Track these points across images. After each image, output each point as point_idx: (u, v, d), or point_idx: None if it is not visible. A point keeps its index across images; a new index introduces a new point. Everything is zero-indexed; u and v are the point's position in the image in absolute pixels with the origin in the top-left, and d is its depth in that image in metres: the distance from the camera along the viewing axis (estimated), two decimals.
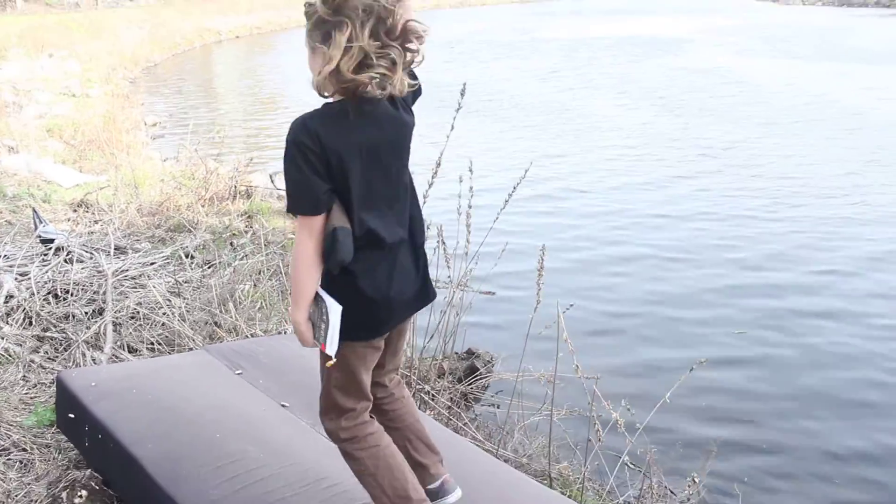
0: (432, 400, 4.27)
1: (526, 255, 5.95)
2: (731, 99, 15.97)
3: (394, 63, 1.94)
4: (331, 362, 2.12)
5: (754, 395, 5.04)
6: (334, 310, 2.07)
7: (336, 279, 2.09)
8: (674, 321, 6.08)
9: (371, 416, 2.30)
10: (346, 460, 2.30)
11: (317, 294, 2.10)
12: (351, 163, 2.00)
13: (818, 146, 11.75)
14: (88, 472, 2.95)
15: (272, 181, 8.66)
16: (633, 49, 26.00)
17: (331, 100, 2.02)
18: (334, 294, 2.09)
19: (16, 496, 2.90)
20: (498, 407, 4.70)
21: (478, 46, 28.75)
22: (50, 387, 3.80)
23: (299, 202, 2.01)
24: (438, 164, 3.65)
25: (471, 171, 3.71)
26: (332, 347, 2.10)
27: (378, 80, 1.94)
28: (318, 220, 2.01)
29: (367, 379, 2.25)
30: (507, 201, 3.87)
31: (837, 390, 5.12)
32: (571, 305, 3.45)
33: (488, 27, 39.88)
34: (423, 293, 2.27)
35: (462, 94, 3.57)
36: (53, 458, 3.19)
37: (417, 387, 4.18)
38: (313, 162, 1.96)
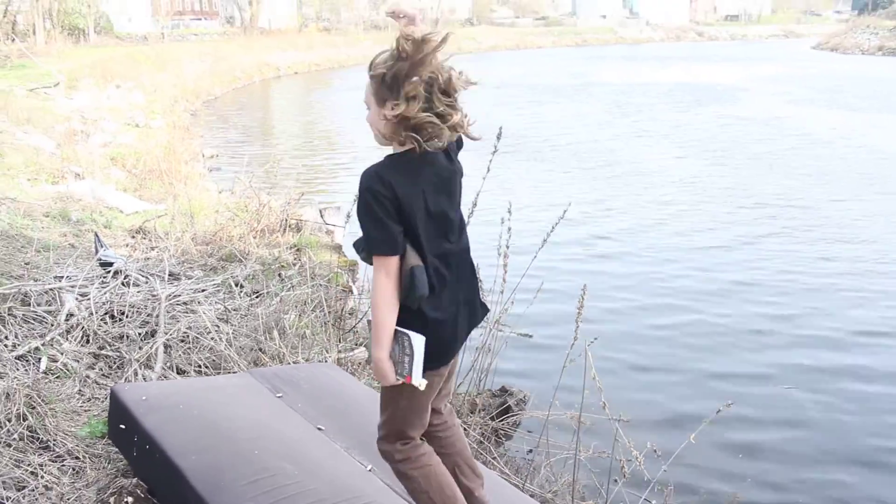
0: (465, 434, 4.39)
1: (564, 295, 6.10)
2: (782, 149, 15.91)
3: (446, 117, 2.19)
4: (422, 386, 2.29)
5: (782, 454, 5.02)
6: (418, 341, 2.26)
7: (409, 314, 2.29)
8: (708, 373, 6.12)
9: (422, 439, 2.50)
10: (401, 480, 2.50)
11: (396, 331, 2.28)
12: (417, 207, 2.23)
13: (871, 201, 11.64)
14: (135, 480, 3.14)
15: (321, 216, 8.94)
16: (685, 96, 26.10)
17: (391, 151, 2.28)
18: (409, 328, 2.29)
19: (68, 499, 3.10)
20: (530, 447, 4.80)
21: (531, 90, 29.10)
22: (103, 401, 4.03)
23: (379, 245, 2.21)
24: (475, 205, 3.82)
25: (509, 212, 3.89)
26: (418, 378, 2.28)
27: (436, 127, 2.19)
28: (394, 261, 2.22)
29: (429, 408, 2.46)
30: (545, 241, 4.02)
31: (871, 455, 5.07)
32: (595, 339, 3.57)
33: (542, 70, 40.31)
34: (477, 312, 2.50)
35: (498, 138, 3.77)
36: (103, 467, 3.39)
37: None
38: (388, 207, 2.18)
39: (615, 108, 23.47)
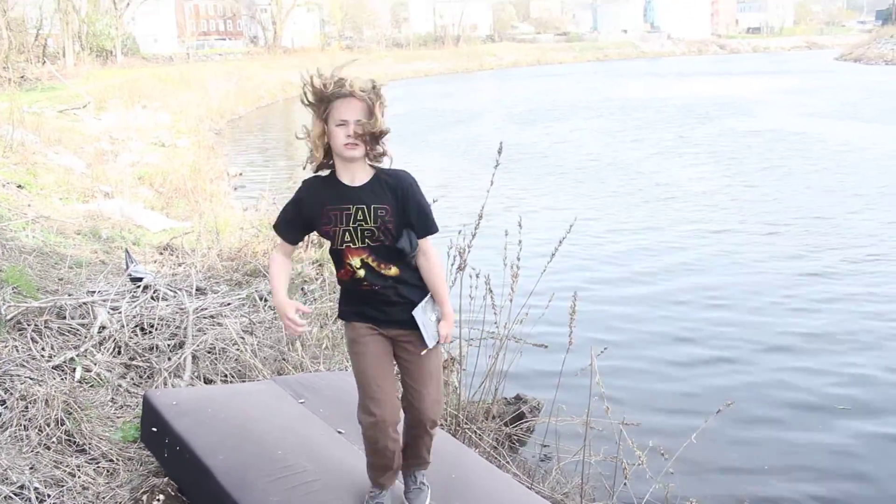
0: (479, 439, 4.56)
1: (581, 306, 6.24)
2: (804, 163, 15.93)
3: None
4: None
5: (792, 451, 5.15)
6: None
7: None
8: (722, 376, 6.24)
9: None
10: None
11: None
12: None
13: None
14: (166, 479, 3.35)
15: None
16: (707, 110, 26.16)
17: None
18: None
19: (103, 498, 3.31)
20: (543, 452, 4.95)
21: (551, 106, 29.29)
22: (134, 409, 4.25)
23: (435, 223, 2.83)
24: (480, 217, 4.01)
25: (520, 225, 4.07)
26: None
27: None
28: None
29: None
30: (553, 254, 4.20)
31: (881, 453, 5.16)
32: (605, 349, 3.73)
33: (563, 85, 40.52)
34: None
35: (499, 153, 3.96)
36: (135, 468, 3.61)
37: (465, 426, 4.49)
38: None
39: (636, 122, 23.60)
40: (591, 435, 4.08)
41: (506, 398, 5.13)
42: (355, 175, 2.74)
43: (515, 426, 4.88)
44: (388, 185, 2.74)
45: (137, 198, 10.61)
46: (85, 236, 7.97)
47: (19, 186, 9.61)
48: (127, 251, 6.96)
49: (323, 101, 2.67)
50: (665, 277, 8.77)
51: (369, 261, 2.75)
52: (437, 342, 2.82)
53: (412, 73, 58.20)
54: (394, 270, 2.78)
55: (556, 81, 44.22)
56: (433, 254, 2.82)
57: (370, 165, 2.75)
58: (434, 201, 2.88)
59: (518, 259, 4.22)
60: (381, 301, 2.80)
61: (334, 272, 2.88)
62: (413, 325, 2.79)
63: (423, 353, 2.80)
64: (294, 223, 2.87)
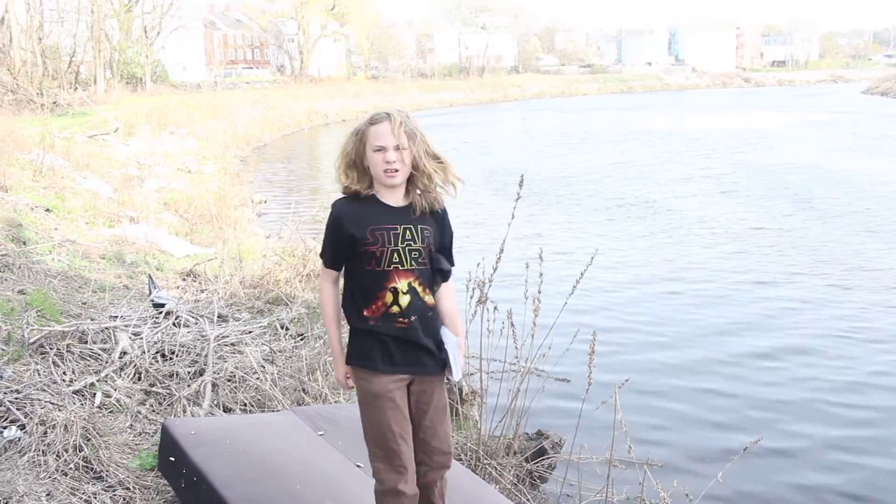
0: (499, 476, 4.49)
1: (599, 338, 6.18)
2: (825, 196, 15.79)
3: None
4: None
5: (821, 491, 5.02)
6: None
7: None
8: (745, 411, 6.13)
9: None
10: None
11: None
12: None
13: None
14: None
15: None
16: (730, 143, 26.07)
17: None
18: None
19: None
20: (564, 490, 4.86)
21: (572, 137, 29.32)
22: (152, 436, 4.23)
23: None
24: (502, 251, 3.98)
25: (541, 258, 4.03)
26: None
27: None
28: None
29: None
30: (574, 287, 4.15)
31: None
32: (627, 380, 3.67)
33: (586, 117, 40.59)
34: None
35: (520, 185, 3.95)
36: (152, 498, 3.58)
37: (485, 461, 4.42)
38: None
39: (659, 155, 23.54)
40: (613, 474, 4.00)
41: (527, 433, 5.05)
42: (398, 195, 2.70)
43: (536, 462, 4.79)
44: (429, 206, 2.71)
45: (162, 223, 10.69)
46: (109, 261, 8.03)
47: (47, 210, 9.72)
48: (150, 277, 6.99)
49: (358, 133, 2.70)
50: (692, 308, 8.67)
51: (416, 284, 2.67)
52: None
53: (437, 103, 58.60)
54: (430, 299, 2.72)
55: (581, 114, 44.31)
56: (451, 281, 2.80)
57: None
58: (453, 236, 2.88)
59: (539, 292, 4.18)
60: (411, 340, 2.67)
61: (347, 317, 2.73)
62: (437, 367, 2.73)
63: (447, 383, 2.79)
64: (338, 247, 2.73)
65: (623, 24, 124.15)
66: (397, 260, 2.64)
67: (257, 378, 5.10)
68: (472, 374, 5.18)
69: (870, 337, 7.69)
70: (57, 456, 3.67)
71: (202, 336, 5.69)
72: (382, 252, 2.63)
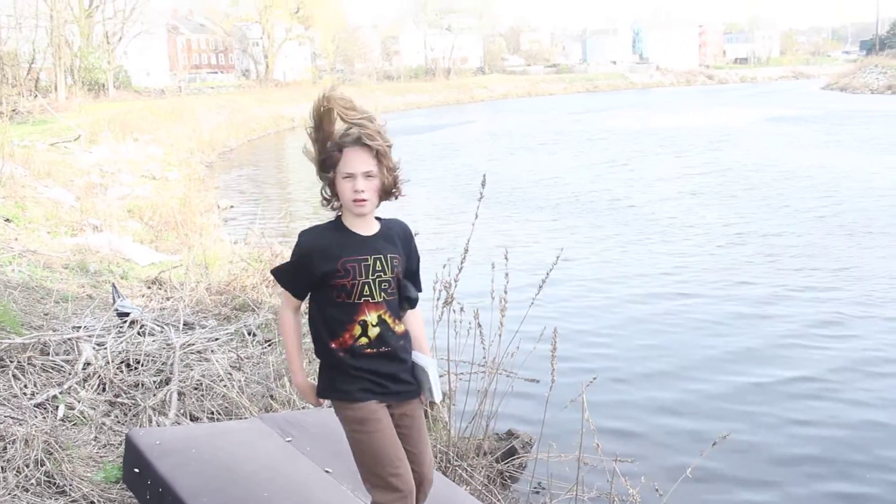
0: (470, 477, 4.48)
1: (567, 339, 6.21)
2: (787, 192, 16.02)
3: None
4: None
5: (794, 484, 5.08)
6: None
7: None
8: (712, 406, 6.18)
9: None
10: None
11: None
12: None
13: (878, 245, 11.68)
14: None
15: None
16: (691, 140, 26.33)
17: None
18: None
19: None
20: (535, 489, 4.87)
21: (536, 137, 29.42)
22: (118, 448, 4.16)
23: None
24: (466, 251, 3.98)
25: (506, 258, 4.03)
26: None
27: None
28: None
29: None
30: (541, 287, 4.16)
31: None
32: (594, 379, 3.68)
33: (548, 118, 40.77)
34: None
35: (483, 185, 3.94)
36: None
37: (455, 463, 4.41)
38: None
39: (620, 154, 23.70)
40: (584, 470, 4.01)
41: (497, 434, 5.05)
42: (367, 223, 2.58)
43: (507, 462, 4.80)
44: (395, 233, 2.62)
45: (126, 231, 10.55)
46: (72, 270, 7.90)
47: (7, 220, 9.55)
48: (114, 285, 6.89)
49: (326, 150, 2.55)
50: (658, 307, 8.74)
51: (386, 316, 2.56)
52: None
53: (404, 105, 58.55)
54: (400, 327, 2.62)
55: (548, 114, 44.50)
56: (418, 308, 2.75)
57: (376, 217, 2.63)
58: (416, 234, 2.80)
59: (505, 292, 4.19)
60: (381, 371, 2.57)
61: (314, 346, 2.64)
62: (413, 391, 2.67)
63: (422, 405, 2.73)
64: (303, 280, 2.61)
65: (587, 23, 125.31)
66: (367, 293, 2.52)
67: (224, 385, 5.05)
68: (441, 376, 5.17)
69: (840, 333, 7.76)
70: (17, 472, 3.60)
71: (168, 344, 5.62)
72: (353, 285, 2.52)
